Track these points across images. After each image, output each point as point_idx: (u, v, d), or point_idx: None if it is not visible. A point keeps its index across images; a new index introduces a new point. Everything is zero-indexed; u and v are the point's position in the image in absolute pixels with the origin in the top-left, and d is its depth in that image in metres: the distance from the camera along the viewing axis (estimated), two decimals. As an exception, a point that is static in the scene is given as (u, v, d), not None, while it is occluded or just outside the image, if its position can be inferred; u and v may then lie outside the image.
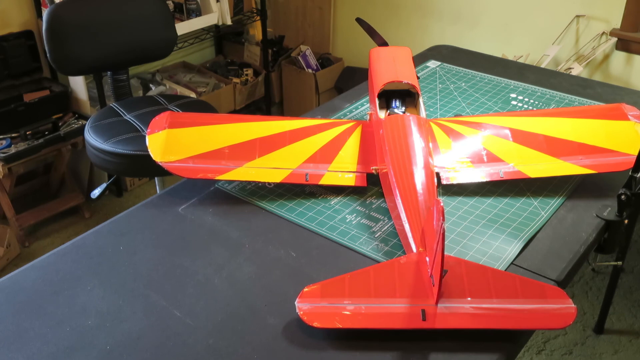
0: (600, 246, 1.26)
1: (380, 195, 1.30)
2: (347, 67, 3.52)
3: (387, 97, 1.45)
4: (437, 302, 0.95)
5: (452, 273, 0.99)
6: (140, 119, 2.01)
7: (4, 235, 2.48)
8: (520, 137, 1.35)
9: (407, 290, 0.97)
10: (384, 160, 1.26)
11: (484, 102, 1.73)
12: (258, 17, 3.37)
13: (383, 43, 1.64)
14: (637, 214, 1.43)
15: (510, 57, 2.59)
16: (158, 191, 2.32)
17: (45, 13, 1.98)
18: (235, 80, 3.32)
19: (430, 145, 1.31)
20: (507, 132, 1.36)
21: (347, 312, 0.94)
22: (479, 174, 1.29)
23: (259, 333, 0.97)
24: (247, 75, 3.41)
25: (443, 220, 0.89)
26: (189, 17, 2.91)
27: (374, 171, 1.31)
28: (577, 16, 2.66)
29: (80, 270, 1.10)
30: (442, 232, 0.88)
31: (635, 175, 1.20)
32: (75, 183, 2.86)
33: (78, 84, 2.72)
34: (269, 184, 1.34)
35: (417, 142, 1.26)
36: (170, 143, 1.30)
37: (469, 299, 0.96)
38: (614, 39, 2.59)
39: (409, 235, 1.08)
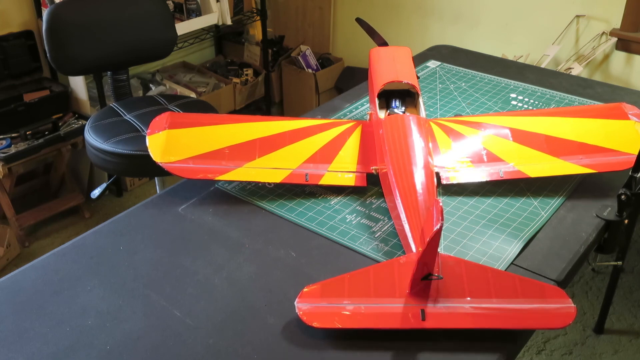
0: (600, 246, 1.26)
1: (380, 195, 1.30)
2: (347, 67, 3.52)
3: (387, 97, 1.45)
4: (409, 291, 0.95)
5: (452, 273, 0.99)
6: (140, 119, 2.01)
7: (4, 235, 2.48)
8: (521, 137, 1.35)
9: (407, 290, 0.97)
10: (383, 160, 1.26)
11: (484, 102, 1.73)
12: (258, 17, 3.37)
13: (383, 43, 1.64)
14: (637, 214, 1.43)
15: (510, 57, 2.59)
16: (158, 191, 2.32)
17: (45, 13, 1.98)
18: (235, 80, 3.32)
19: (430, 145, 1.31)
20: (507, 132, 1.36)
21: (347, 312, 0.94)
22: (479, 174, 1.29)
23: (259, 333, 0.97)
24: (247, 75, 3.41)
25: (442, 220, 0.89)
26: (189, 17, 2.91)
27: (373, 171, 1.31)
28: (577, 16, 2.66)
29: (80, 270, 1.10)
30: (436, 232, 0.88)
31: (635, 175, 1.20)
32: (75, 183, 2.86)
33: (78, 84, 2.72)
34: (269, 184, 1.34)
35: (417, 142, 1.26)
36: (170, 143, 1.30)
37: (469, 298, 0.96)
38: (614, 39, 2.59)
39: (409, 235, 1.08)
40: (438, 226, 0.88)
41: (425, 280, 0.96)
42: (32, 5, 2.71)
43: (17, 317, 1.00)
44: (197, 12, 2.93)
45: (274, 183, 1.33)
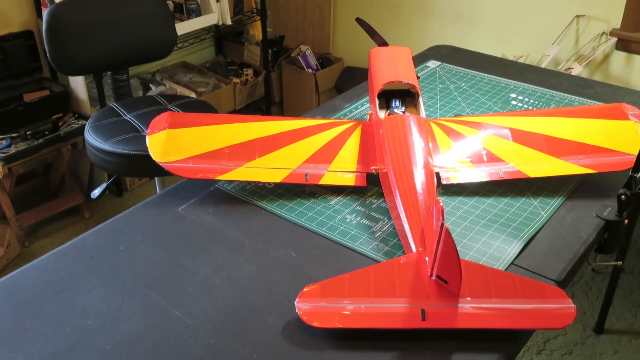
0: (600, 246, 1.26)
1: (380, 195, 1.30)
2: (347, 67, 3.52)
3: (387, 97, 1.45)
4: (459, 300, 0.95)
5: (452, 273, 0.99)
6: (140, 119, 2.01)
7: (4, 235, 2.48)
8: (520, 137, 1.35)
9: (407, 290, 0.97)
10: (383, 160, 1.26)
11: (484, 102, 1.73)
12: (258, 17, 3.37)
13: (383, 43, 1.64)
14: (637, 214, 1.43)
15: (510, 57, 2.59)
16: (158, 191, 2.32)
17: (45, 13, 1.98)
18: (235, 80, 3.32)
19: (430, 145, 1.31)
20: (507, 132, 1.36)
21: (347, 312, 0.94)
22: (479, 174, 1.29)
23: (259, 333, 0.97)
24: (247, 75, 3.41)
25: (443, 219, 0.89)
26: (189, 17, 2.91)
27: (373, 171, 1.31)
28: (577, 16, 2.66)
29: (80, 270, 1.10)
30: (444, 231, 0.88)
31: (635, 175, 1.20)
32: (75, 183, 2.86)
33: (78, 84, 2.72)
34: (269, 184, 1.34)
35: (417, 142, 1.26)
36: (170, 143, 1.30)
37: (469, 298, 0.96)
38: (614, 39, 2.59)
39: (409, 235, 1.08)
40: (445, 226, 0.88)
41: (431, 279, 0.97)
42: (32, 5, 2.71)
43: (17, 317, 1.00)
44: (197, 12, 2.93)
45: (274, 183, 1.33)
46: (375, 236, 1.18)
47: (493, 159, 1.31)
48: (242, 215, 1.25)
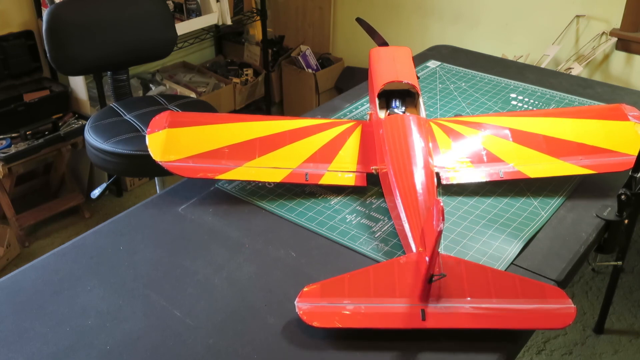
0: (600, 246, 1.26)
1: (380, 195, 1.30)
2: (347, 67, 3.52)
3: (387, 97, 1.45)
4: (428, 302, 0.95)
5: (452, 273, 0.99)
6: (140, 119, 2.01)
7: (4, 235, 2.48)
8: (520, 137, 1.35)
9: (407, 290, 0.97)
10: (383, 160, 1.26)
11: (484, 102, 1.73)
12: (258, 17, 3.37)
13: (383, 43, 1.64)
14: (637, 214, 1.43)
15: (510, 57, 2.59)
16: (158, 191, 2.32)
17: (45, 13, 1.98)
18: (235, 80, 3.32)
19: (430, 145, 1.31)
20: (507, 132, 1.36)
21: (347, 312, 0.94)
22: (479, 174, 1.29)
23: (259, 333, 0.97)
24: (247, 75, 3.41)
25: (443, 220, 0.89)
26: (189, 17, 2.91)
27: (373, 171, 1.31)
28: (577, 16, 2.66)
29: (80, 270, 1.10)
30: (438, 233, 0.88)
31: (635, 175, 1.20)
32: (75, 183, 2.86)
33: (78, 84, 2.72)
34: (269, 183, 1.34)
35: (417, 142, 1.26)
36: (170, 142, 1.30)
37: (469, 298, 0.96)
38: (614, 39, 2.59)
39: (409, 235, 1.08)
40: (440, 227, 0.88)
41: (430, 283, 0.96)
42: (32, 5, 2.71)
43: (17, 317, 1.00)
44: (197, 12, 2.93)
45: (274, 183, 1.33)
46: (375, 236, 1.18)
47: (493, 159, 1.31)
48: (242, 215, 1.25)
